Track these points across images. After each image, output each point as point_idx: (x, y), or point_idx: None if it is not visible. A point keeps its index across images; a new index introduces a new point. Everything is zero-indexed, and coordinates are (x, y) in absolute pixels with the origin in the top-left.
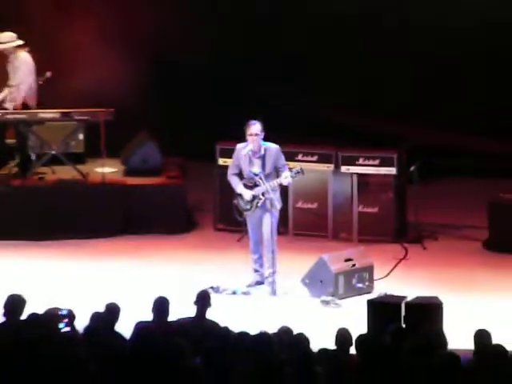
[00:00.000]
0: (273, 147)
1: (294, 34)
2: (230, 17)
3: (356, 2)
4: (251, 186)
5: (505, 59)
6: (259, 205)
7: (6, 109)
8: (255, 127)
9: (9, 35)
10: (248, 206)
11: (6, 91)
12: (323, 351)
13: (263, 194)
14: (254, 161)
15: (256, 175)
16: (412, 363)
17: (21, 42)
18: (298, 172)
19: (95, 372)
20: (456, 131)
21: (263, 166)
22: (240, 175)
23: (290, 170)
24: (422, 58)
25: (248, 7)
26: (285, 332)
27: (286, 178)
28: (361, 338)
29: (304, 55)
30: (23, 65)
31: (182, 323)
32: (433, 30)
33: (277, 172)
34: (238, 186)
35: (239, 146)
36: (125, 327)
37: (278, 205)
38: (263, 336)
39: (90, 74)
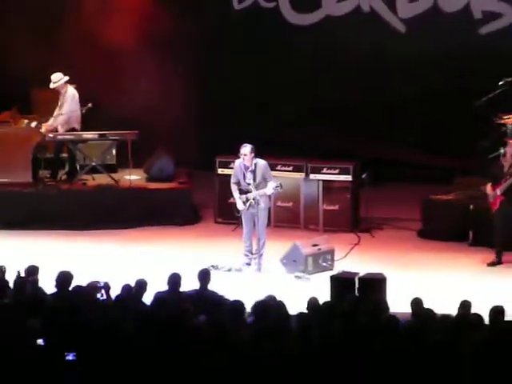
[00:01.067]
0: (261, 162)
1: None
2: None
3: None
4: (246, 191)
5: (435, 90)
6: (251, 205)
7: (57, 131)
8: (245, 149)
9: (58, 75)
10: (242, 207)
11: (59, 118)
12: (300, 314)
13: (254, 199)
14: (247, 173)
15: (248, 184)
16: (365, 323)
17: (67, 78)
18: (277, 187)
19: (126, 330)
20: (397, 147)
21: (254, 177)
22: (238, 183)
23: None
24: (371, 87)
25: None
26: (270, 299)
27: (268, 189)
28: (326, 304)
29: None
30: (70, 97)
31: (190, 293)
32: (378, 60)
33: (265, 181)
34: (235, 194)
35: (237, 161)
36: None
37: (265, 205)
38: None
39: (120, 104)
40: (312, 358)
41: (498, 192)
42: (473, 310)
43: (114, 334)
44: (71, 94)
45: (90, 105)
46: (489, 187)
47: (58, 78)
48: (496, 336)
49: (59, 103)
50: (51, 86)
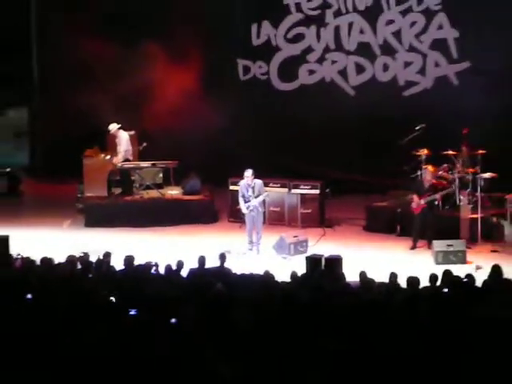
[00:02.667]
0: (258, 182)
1: None
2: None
3: None
4: (248, 201)
5: (373, 133)
6: (251, 211)
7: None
8: (247, 173)
9: (113, 125)
10: (245, 211)
11: (119, 155)
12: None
13: (253, 206)
14: (249, 189)
15: (250, 196)
16: (329, 288)
17: (119, 126)
18: (267, 195)
19: (172, 295)
20: (349, 171)
21: (253, 192)
22: (243, 196)
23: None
24: (331, 132)
25: None
26: (266, 273)
27: (261, 198)
28: (302, 275)
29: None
30: (124, 140)
31: (212, 269)
32: (336, 113)
33: (260, 193)
34: (240, 204)
35: (242, 181)
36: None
37: (261, 210)
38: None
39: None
40: (300, 310)
41: (422, 202)
42: (398, 279)
43: (162, 298)
44: (124, 137)
45: (145, 144)
46: (415, 197)
47: (112, 127)
48: (412, 297)
49: (117, 144)
50: (110, 132)
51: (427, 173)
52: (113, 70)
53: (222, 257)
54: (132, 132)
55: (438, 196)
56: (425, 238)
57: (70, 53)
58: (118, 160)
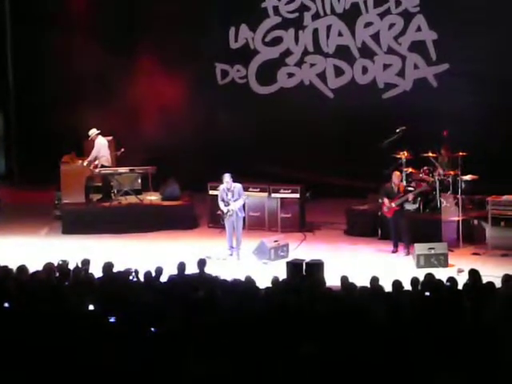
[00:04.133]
0: (238, 185)
1: None
2: None
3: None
4: (227, 205)
5: (352, 136)
6: (230, 215)
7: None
8: (226, 178)
9: (92, 130)
10: (225, 216)
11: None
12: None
13: (232, 210)
14: (228, 193)
15: (229, 200)
16: (310, 292)
17: (98, 131)
18: (246, 198)
19: (150, 300)
20: (329, 175)
21: (232, 195)
22: (223, 200)
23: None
24: (311, 134)
25: None
26: (247, 278)
27: (241, 201)
28: (283, 280)
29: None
30: (101, 145)
31: (192, 275)
32: (315, 116)
33: (239, 197)
34: (221, 206)
35: (221, 186)
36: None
37: (241, 214)
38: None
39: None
40: (282, 315)
41: (394, 205)
42: (380, 283)
43: (139, 304)
44: (102, 143)
45: (122, 149)
46: (386, 201)
47: (91, 133)
48: (397, 301)
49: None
50: (89, 137)
51: (394, 176)
52: (91, 76)
53: (202, 263)
54: (110, 138)
55: (410, 196)
56: (402, 241)
57: (46, 58)
58: (89, 165)
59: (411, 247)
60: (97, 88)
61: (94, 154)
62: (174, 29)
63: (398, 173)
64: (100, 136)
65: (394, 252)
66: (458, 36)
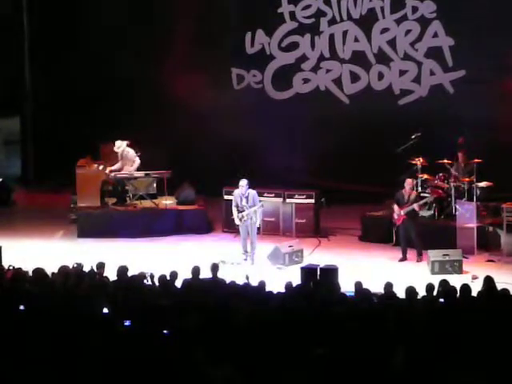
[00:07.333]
0: (252, 191)
1: None
2: None
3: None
4: (242, 211)
5: (369, 141)
6: (245, 220)
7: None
8: (242, 182)
9: (120, 142)
10: (238, 222)
11: (132, 169)
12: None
13: (247, 215)
14: (243, 199)
15: (244, 206)
16: (325, 297)
17: (127, 143)
18: (261, 206)
19: (164, 305)
20: (344, 180)
21: (247, 201)
22: (237, 206)
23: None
24: (326, 140)
25: None
26: (261, 283)
27: (256, 208)
28: (298, 286)
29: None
30: (132, 155)
31: (206, 279)
32: (330, 123)
33: (254, 203)
34: (234, 214)
35: (236, 191)
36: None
37: (257, 221)
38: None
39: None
40: (296, 320)
41: (402, 212)
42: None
43: (155, 308)
44: (132, 153)
45: (138, 154)
46: (396, 208)
47: (119, 145)
48: (411, 306)
49: (119, 158)
50: (115, 149)
51: (406, 184)
52: (110, 80)
53: (215, 267)
54: (126, 142)
55: (416, 206)
56: (414, 249)
57: (62, 61)
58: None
59: (423, 255)
60: (115, 92)
61: (135, 166)
62: (190, 33)
63: (409, 180)
64: (128, 148)
65: (401, 260)
66: (475, 42)
